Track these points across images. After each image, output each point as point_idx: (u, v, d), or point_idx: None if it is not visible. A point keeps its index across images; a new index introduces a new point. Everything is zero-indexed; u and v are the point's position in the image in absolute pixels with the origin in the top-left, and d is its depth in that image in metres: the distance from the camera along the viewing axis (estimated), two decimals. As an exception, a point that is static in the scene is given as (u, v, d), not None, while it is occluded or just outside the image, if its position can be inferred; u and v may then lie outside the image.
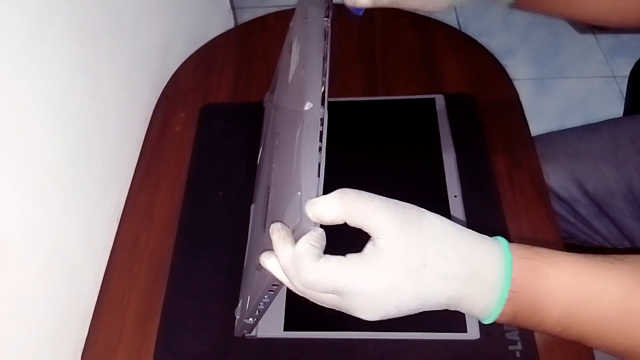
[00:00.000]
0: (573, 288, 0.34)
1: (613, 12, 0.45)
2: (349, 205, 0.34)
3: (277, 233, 0.36)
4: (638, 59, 0.84)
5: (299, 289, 0.36)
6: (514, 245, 0.35)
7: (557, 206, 0.69)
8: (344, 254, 0.35)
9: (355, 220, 0.34)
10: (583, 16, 0.45)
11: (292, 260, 0.35)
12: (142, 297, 0.59)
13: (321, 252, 0.34)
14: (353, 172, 0.64)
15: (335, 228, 0.35)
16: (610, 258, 0.35)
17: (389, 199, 0.35)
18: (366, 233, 0.35)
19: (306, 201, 0.35)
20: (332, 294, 0.34)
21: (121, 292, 0.59)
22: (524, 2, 0.41)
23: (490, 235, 0.36)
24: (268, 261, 0.37)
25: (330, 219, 0.34)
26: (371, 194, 0.35)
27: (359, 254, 0.34)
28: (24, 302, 0.47)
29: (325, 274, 0.33)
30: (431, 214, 0.35)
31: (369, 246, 0.34)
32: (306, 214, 0.35)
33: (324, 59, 0.41)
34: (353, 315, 0.35)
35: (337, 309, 0.36)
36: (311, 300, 0.36)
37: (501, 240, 0.35)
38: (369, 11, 0.89)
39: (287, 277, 0.36)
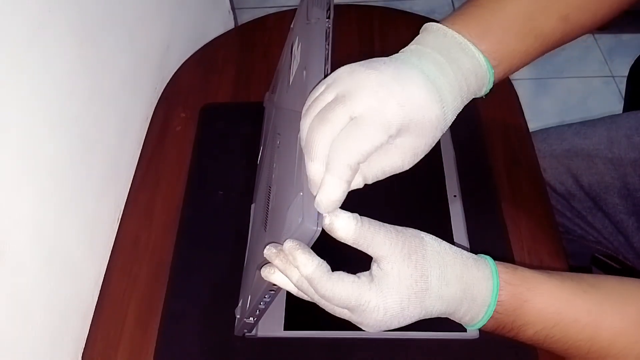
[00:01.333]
0: (549, 313, 0.39)
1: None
2: (360, 233, 0.36)
3: (278, 259, 0.38)
4: (636, 58, 0.84)
5: (314, 299, 0.38)
6: (502, 269, 0.39)
7: (553, 200, 0.70)
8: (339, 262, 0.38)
9: (362, 246, 0.37)
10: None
11: (305, 278, 0.37)
12: (143, 297, 0.59)
13: (329, 267, 0.37)
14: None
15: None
16: (585, 284, 0.40)
17: (392, 228, 0.38)
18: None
19: (312, 199, 0.36)
20: (345, 308, 0.37)
21: (121, 292, 0.60)
22: (504, 71, 0.42)
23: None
24: (274, 276, 0.39)
25: (339, 236, 0.37)
26: (379, 223, 0.37)
27: (368, 275, 0.38)
28: (24, 302, 0.47)
29: (340, 291, 0.36)
30: (430, 239, 0.39)
31: (376, 269, 0.37)
32: (320, 217, 0.36)
33: (326, 60, 0.41)
34: (359, 327, 0.38)
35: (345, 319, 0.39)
36: (322, 307, 0.39)
37: (490, 263, 0.40)
38: (368, 12, 0.89)
39: (302, 290, 0.38)
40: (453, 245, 0.40)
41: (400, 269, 0.37)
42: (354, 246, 0.37)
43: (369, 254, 0.37)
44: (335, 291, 0.36)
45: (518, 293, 0.39)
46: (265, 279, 0.39)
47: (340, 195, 0.35)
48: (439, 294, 0.37)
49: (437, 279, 0.37)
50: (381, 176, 0.39)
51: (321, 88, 0.38)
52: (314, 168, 0.35)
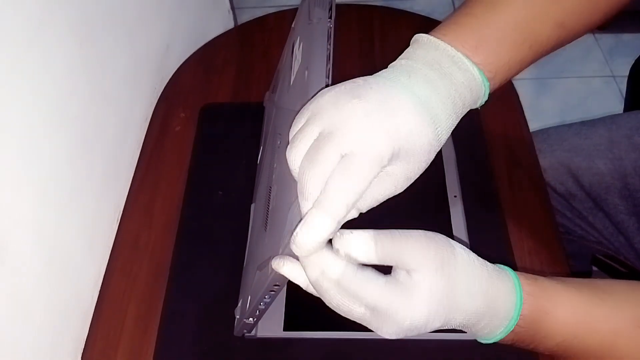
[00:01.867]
0: (569, 324, 0.38)
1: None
2: (384, 250, 0.35)
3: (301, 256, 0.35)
4: (637, 57, 0.84)
5: (327, 296, 0.36)
6: (523, 280, 0.38)
7: (553, 201, 0.69)
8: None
9: (391, 263, 0.35)
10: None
11: (332, 281, 0.35)
12: (142, 297, 0.59)
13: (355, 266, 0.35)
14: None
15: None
16: (600, 292, 0.39)
17: (422, 235, 0.36)
18: None
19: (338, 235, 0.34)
20: (366, 308, 0.35)
21: (121, 292, 0.59)
22: (499, 82, 0.41)
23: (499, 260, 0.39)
24: (284, 268, 0.37)
25: (362, 260, 0.35)
26: (404, 232, 0.36)
27: (396, 279, 0.35)
28: (24, 302, 0.47)
29: (371, 292, 0.34)
30: (460, 248, 0.37)
31: (405, 277, 0.35)
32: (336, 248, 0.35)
33: (328, 60, 0.41)
34: (374, 330, 0.36)
35: (357, 321, 0.37)
36: (336, 307, 0.36)
37: (512, 275, 0.38)
38: (369, 12, 0.89)
39: (322, 286, 0.36)
40: (478, 257, 0.38)
41: (432, 281, 0.35)
42: (383, 264, 0.36)
43: (399, 266, 0.36)
44: (367, 292, 0.34)
45: (539, 305, 0.37)
46: (275, 269, 0.37)
47: (325, 236, 0.33)
48: (464, 308, 0.36)
49: (466, 293, 0.36)
50: (375, 204, 0.37)
51: (303, 118, 0.36)
52: (309, 208, 0.34)
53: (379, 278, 0.35)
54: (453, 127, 0.38)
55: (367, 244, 0.35)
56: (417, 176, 0.37)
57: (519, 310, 0.37)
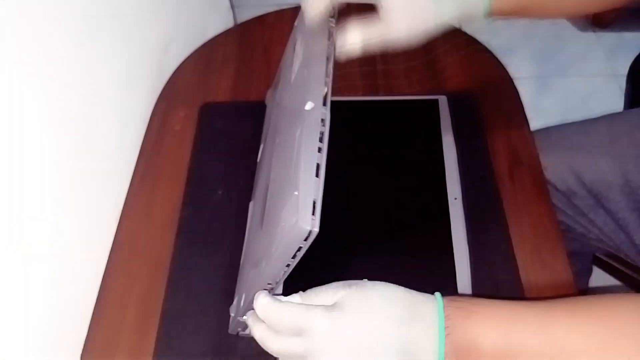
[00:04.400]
0: (497, 321, 0.39)
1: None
2: (303, 296, 0.41)
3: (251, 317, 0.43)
4: (636, 55, 0.84)
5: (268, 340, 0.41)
6: (444, 297, 0.41)
7: (554, 198, 0.69)
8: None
9: (310, 301, 0.40)
10: (554, 16, 0.51)
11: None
12: (142, 296, 0.59)
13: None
14: (351, 173, 0.63)
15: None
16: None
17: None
18: None
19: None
20: (296, 335, 0.39)
21: (120, 291, 0.59)
22: (499, 12, 0.47)
23: None
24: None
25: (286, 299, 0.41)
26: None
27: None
28: (24, 302, 0.47)
29: (288, 308, 0.39)
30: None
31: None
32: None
33: (328, 59, 0.41)
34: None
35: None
36: (277, 350, 0.40)
37: (435, 294, 0.41)
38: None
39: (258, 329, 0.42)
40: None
41: (346, 297, 0.39)
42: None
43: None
44: (284, 306, 0.39)
45: (463, 307, 0.40)
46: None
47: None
48: (387, 314, 0.39)
49: (382, 300, 0.39)
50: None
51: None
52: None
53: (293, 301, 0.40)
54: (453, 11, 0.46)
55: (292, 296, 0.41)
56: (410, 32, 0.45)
57: (442, 311, 0.39)
